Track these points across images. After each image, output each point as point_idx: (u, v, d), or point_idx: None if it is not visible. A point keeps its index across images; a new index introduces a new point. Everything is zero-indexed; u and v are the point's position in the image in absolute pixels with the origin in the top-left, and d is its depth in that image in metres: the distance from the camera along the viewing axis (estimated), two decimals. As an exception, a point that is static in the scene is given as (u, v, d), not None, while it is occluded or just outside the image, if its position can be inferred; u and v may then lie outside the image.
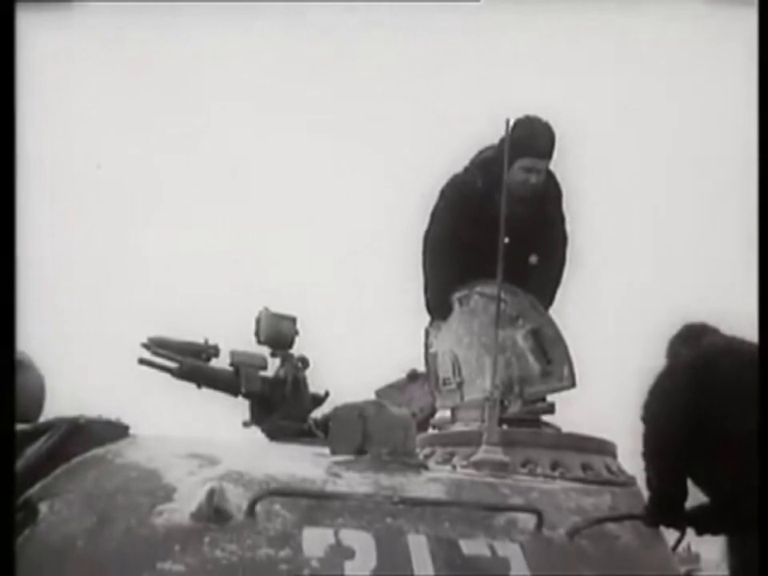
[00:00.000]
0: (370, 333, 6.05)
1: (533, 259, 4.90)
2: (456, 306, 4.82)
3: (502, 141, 4.59)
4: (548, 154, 4.78)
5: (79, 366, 3.65)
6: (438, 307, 4.84)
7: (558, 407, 4.64)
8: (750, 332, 3.86)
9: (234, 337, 5.51)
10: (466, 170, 4.92)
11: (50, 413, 4.12)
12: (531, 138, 4.72)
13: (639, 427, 4.58)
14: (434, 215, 4.95)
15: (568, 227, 5.04)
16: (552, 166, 4.93)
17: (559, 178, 4.97)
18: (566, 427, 4.56)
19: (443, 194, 4.93)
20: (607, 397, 4.89)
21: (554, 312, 4.89)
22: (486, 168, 4.79)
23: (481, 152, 4.93)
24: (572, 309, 5.04)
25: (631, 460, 4.62)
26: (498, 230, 4.23)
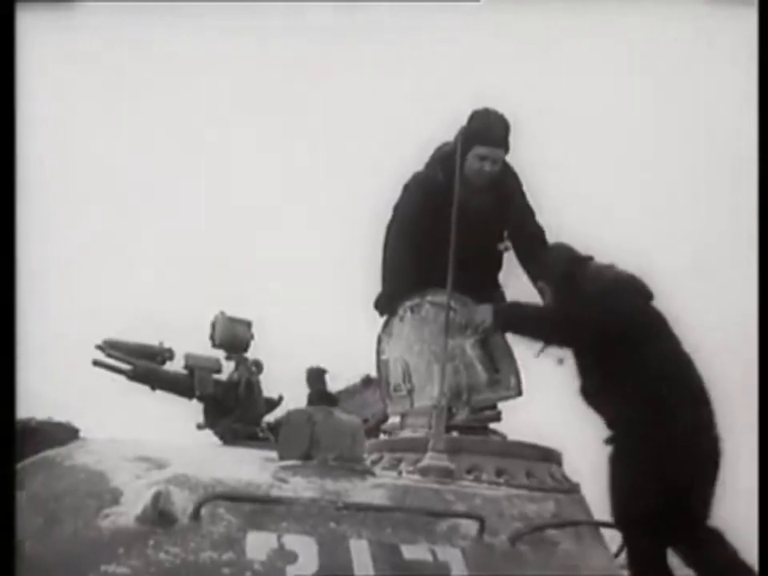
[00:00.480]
0: (324, 338, 6.10)
1: (501, 246, 4.95)
2: (408, 313, 4.88)
3: (459, 133, 4.73)
4: (502, 144, 4.84)
5: (32, 368, 3.66)
6: (389, 303, 4.87)
7: (504, 415, 4.70)
8: (750, 332, 3.92)
9: (189, 340, 5.56)
10: (427, 165, 4.99)
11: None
12: (486, 128, 4.81)
13: (584, 436, 4.71)
14: (396, 210, 4.99)
15: (539, 220, 5.05)
16: (552, 166, 5.03)
17: (517, 168, 5.03)
18: (513, 435, 4.63)
19: (406, 188, 4.98)
20: (554, 405, 4.95)
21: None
22: (446, 161, 4.86)
23: (441, 147, 5.00)
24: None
25: (576, 468, 4.72)
26: (462, 223, 4.35)
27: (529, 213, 5.00)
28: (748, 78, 3.94)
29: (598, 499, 4.49)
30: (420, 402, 4.68)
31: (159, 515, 3.31)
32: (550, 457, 4.52)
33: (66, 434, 3.88)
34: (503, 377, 4.59)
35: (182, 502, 3.38)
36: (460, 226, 4.46)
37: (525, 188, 5.05)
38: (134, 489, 3.46)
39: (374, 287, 5.17)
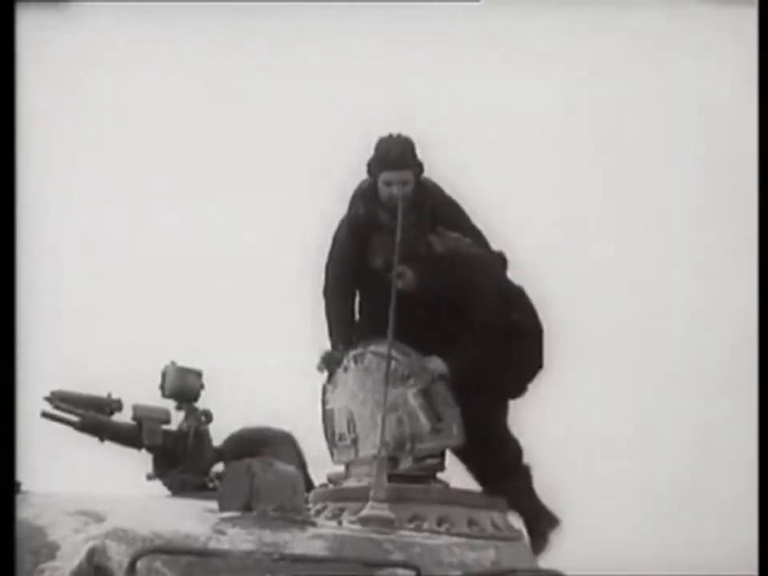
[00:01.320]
0: (273, 387, 6.13)
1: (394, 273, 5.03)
2: (351, 363, 4.94)
3: (368, 164, 4.92)
4: (403, 165, 4.94)
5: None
6: (333, 362, 4.95)
7: (449, 464, 4.76)
8: (749, 332, 3.96)
9: (139, 391, 5.57)
10: (349, 206, 5.09)
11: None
12: (385, 153, 4.92)
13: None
14: (329, 259, 5.07)
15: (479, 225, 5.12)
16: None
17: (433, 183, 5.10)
18: (457, 483, 4.68)
19: (334, 237, 5.08)
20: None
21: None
22: (364, 194, 4.99)
23: (360, 184, 5.12)
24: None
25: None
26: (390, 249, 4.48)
27: (457, 217, 5.07)
28: (748, 77, 3.97)
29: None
30: (364, 451, 4.72)
31: (95, 570, 3.34)
32: (493, 504, 4.57)
33: (7, 488, 3.88)
34: (446, 425, 4.65)
35: (118, 557, 3.41)
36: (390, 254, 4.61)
37: (449, 196, 5.11)
38: (72, 543, 3.49)
39: (324, 337, 5.22)
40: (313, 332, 5.22)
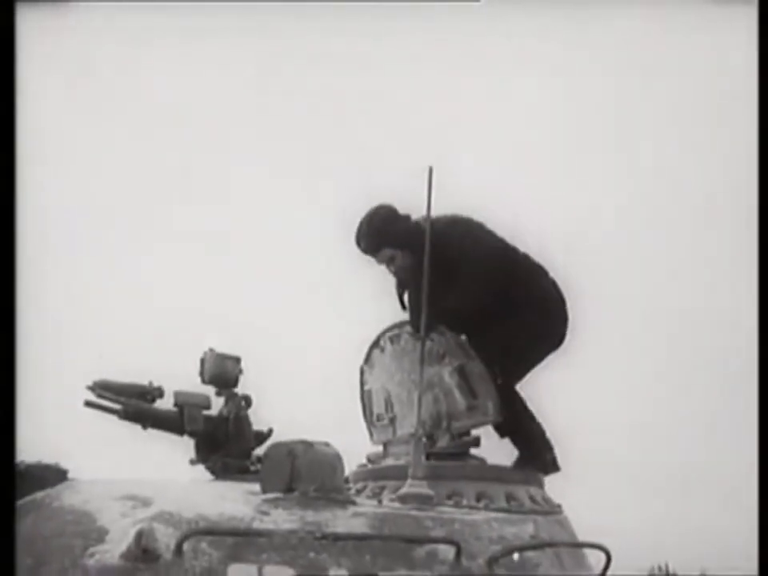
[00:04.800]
0: (312, 372, 6.20)
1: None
2: (388, 344, 5.00)
3: None
4: (374, 251, 4.93)
5: (24, 411, 3.77)
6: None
7: (485, 441, 4.81)
8: (750, 332, 4.00)
9: (180, 378, 5.67)
10: None
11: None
12: (357, 244, 4.95)
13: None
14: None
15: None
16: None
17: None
18: (493, 460, 4.74)
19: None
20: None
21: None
22: None
23: None
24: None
25: (558, 490, 4.82)
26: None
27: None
28: (748, 77, 3.99)
29: (582, 520, 4.61)
30: (402, 430, 4.80)
31: (143, 552, 3.42)
32: (530, 479, 4.63)
33: (55, 475, 3.97)
34: (481, 403, 4.71)
35: (165, 539, 3.49)
36: None
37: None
38: (120, 527, 3.57)
39: (358, 318, 5.29)
40: (350, 315, 5.29)
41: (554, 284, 4.96)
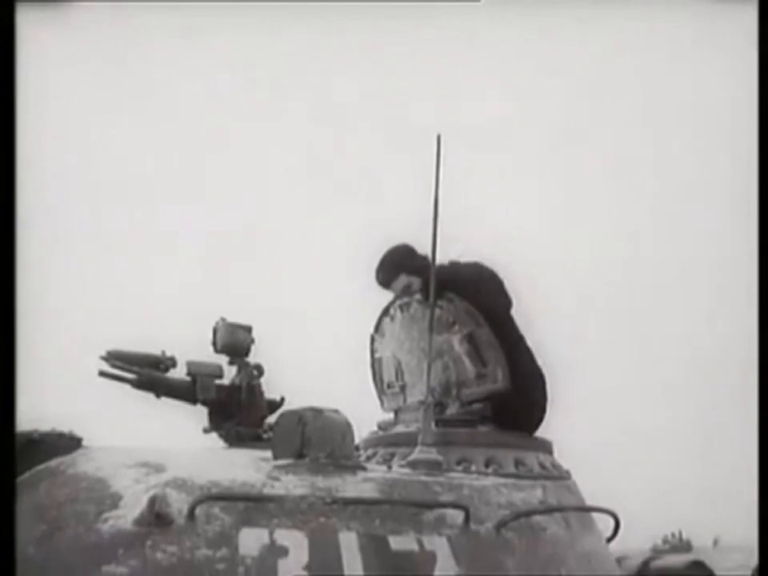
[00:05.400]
0: (323, 341, 6.24)
1: None
2: (398, 312, 5.04)
3: None
4: (385, 284, 5.07)
5: (34, 381, 3.82)
6: None
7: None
8: (749, 332, 4.02)
9: (192, 347, 5.72)
10: None
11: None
12: (376, 276, 5.11)
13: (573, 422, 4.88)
14: None
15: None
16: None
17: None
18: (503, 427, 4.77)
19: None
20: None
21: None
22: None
23: None
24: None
25: (568, 456, 4.85)
26: None
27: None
28: (748, 77, 4.00)
29: (591, 486, 4.65)
30: (412, 397, 4.84)
31: (156, 517, 3.47)
32: (539, 446, 4.67)
33: (69, 443, 4.02)
34: (490, 371, 4.75)
35: (178, 504, 3.54)
36: None
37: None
38: (133, 493, 3.61)
39: (370, 287, 5.33)
40: (359, 284, 5.32)
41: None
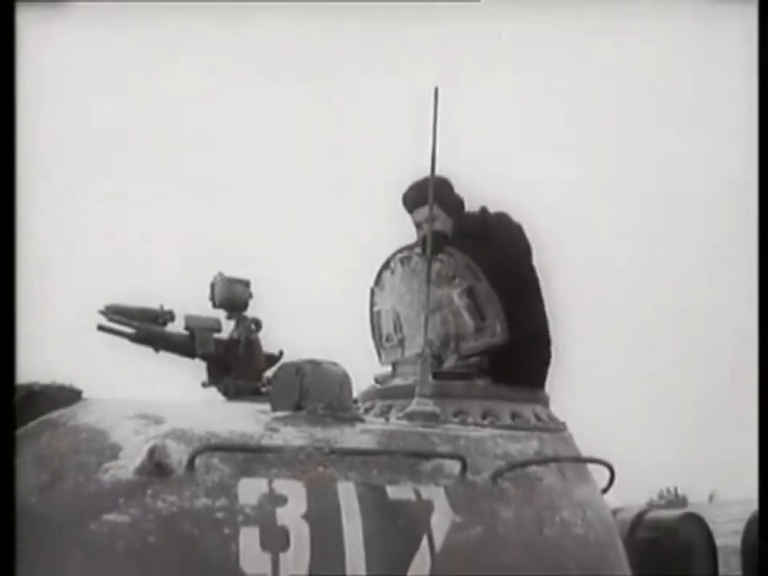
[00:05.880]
0: (322, 296, 6.26)
1: None
2: (398, 266, 5.06)
3: None
4: (412, 205, 5.03)
5: (35, 336, 3.83)
6: None
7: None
8: (749, 331, 4.04)
9: (190, 302, 5.74)
10: None
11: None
12: (404, 198, 5.07)
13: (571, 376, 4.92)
14: None
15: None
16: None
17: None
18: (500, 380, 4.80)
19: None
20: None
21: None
22: None
23: None
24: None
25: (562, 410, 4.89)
26: None
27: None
28: (748, 77, 4.00)
29: (587, 438, 4.69)
30: (410, 351, 4.87)
31: (156, 467, 3.50)
32: (535, 398, 4.71)
33: (69, 395, 4.04)
34: (489, 324, 4.77)
35: (177, 454, 3.57)
36: None
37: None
38: (133, 444, 3.64)
39: (367, 240, 5.34)
40: (359, 238, 5.34)
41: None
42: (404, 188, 5.13)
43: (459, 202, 5.09)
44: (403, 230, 5.17)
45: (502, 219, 5.04)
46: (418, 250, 4.96)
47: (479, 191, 5.19)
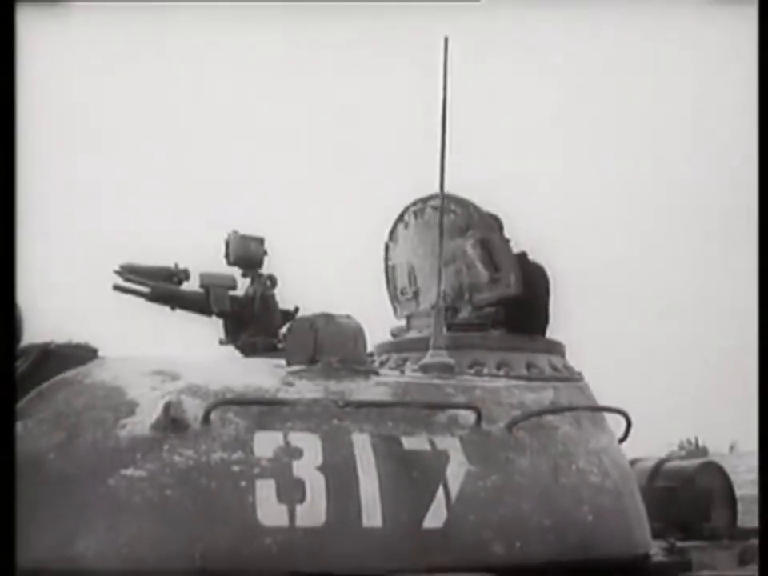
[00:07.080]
0: (337, 251, 6.26)
1: None
2: (411, 219, 5.05)
3: None
4: None
5: (54, 295, 3.85)
6: None
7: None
8: (750, 331, 4.03)
9: (205, 260, 5.75)
10: None
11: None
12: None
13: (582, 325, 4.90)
14: None
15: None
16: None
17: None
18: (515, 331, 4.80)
19: None
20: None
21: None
22: None
23: None
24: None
25: (579, 359, 4.89)
26: None
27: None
28: (748, 77, 3.97)
29: (604, 388, 4.68)
30: (425, 303, 4.87)
31: (172, 422, 3.53)
32: (551, 348, 4.70)
33: (85, 354, 4.06)
34: (503, 275, 4.77)
35: (193, 409, 3.59)
36: None
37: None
38: (149, 400, 3.66)
39: (382, 196, 5.33)
40: (373, 196, 5.33)
41: None
42: (418, 143, 5.07)
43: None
44: (416, 185, 5.16)
45: None
46: (432, 202, 4.95)
47: (479, 191, 5.17)
